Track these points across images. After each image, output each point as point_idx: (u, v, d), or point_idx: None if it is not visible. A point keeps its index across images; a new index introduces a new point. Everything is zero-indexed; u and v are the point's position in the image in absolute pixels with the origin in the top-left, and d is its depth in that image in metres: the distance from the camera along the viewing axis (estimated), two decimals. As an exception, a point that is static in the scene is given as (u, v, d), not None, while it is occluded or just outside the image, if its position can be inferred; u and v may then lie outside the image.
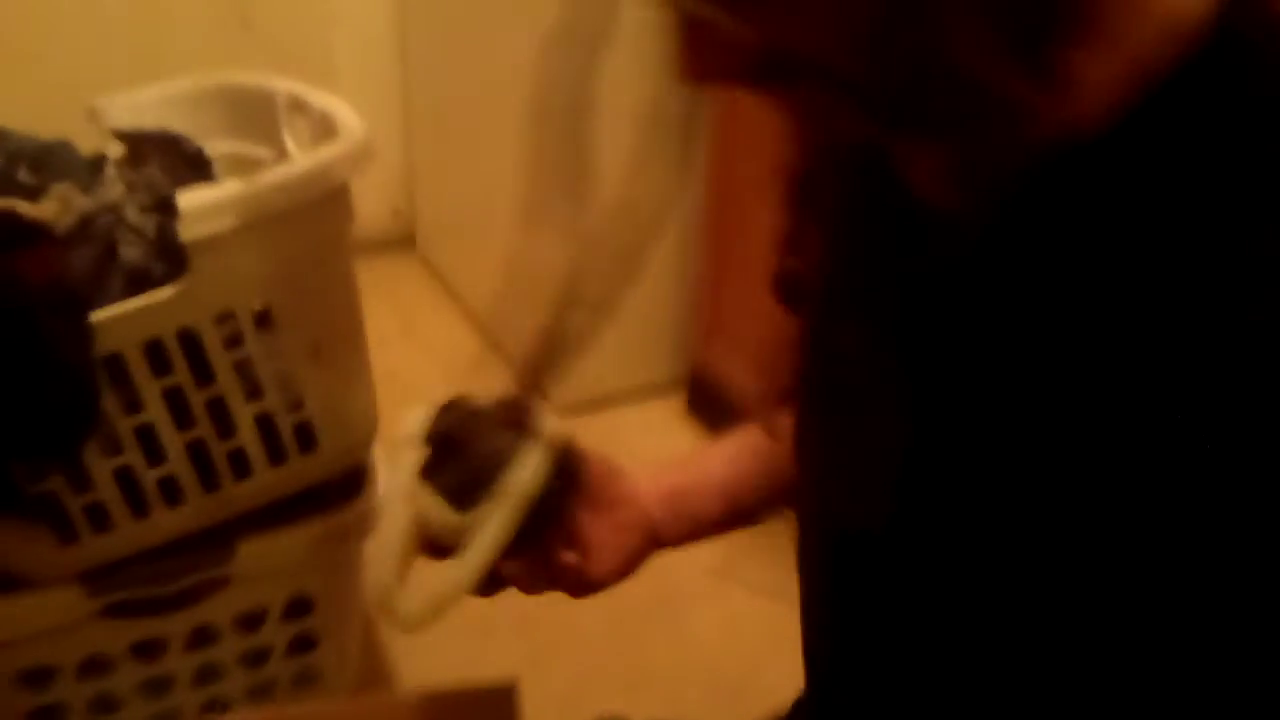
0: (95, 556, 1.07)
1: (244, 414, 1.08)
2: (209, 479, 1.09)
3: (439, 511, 0.64)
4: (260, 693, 1.27)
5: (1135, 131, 0.41)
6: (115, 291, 1.00)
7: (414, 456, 0.66)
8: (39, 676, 1.12)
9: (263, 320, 1.06)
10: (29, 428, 0.94)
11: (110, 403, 1.00)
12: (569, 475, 0.67)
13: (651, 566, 0.76)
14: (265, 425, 1.10)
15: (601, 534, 0.71)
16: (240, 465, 1.10)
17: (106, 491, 1.04)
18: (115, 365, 0.99)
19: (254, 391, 1.08)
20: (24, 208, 0.96)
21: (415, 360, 2.25)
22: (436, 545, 0.66)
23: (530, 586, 0.70)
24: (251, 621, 1.21)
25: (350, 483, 1.22)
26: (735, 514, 0.74)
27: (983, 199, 0.44)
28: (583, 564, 0.70)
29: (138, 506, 1.06)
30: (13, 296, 0.91)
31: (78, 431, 0.97)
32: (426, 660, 1.49)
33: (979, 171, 0.43)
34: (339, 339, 1.14)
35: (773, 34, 0.41)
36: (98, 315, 0.96)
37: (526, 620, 1.59)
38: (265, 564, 1.15)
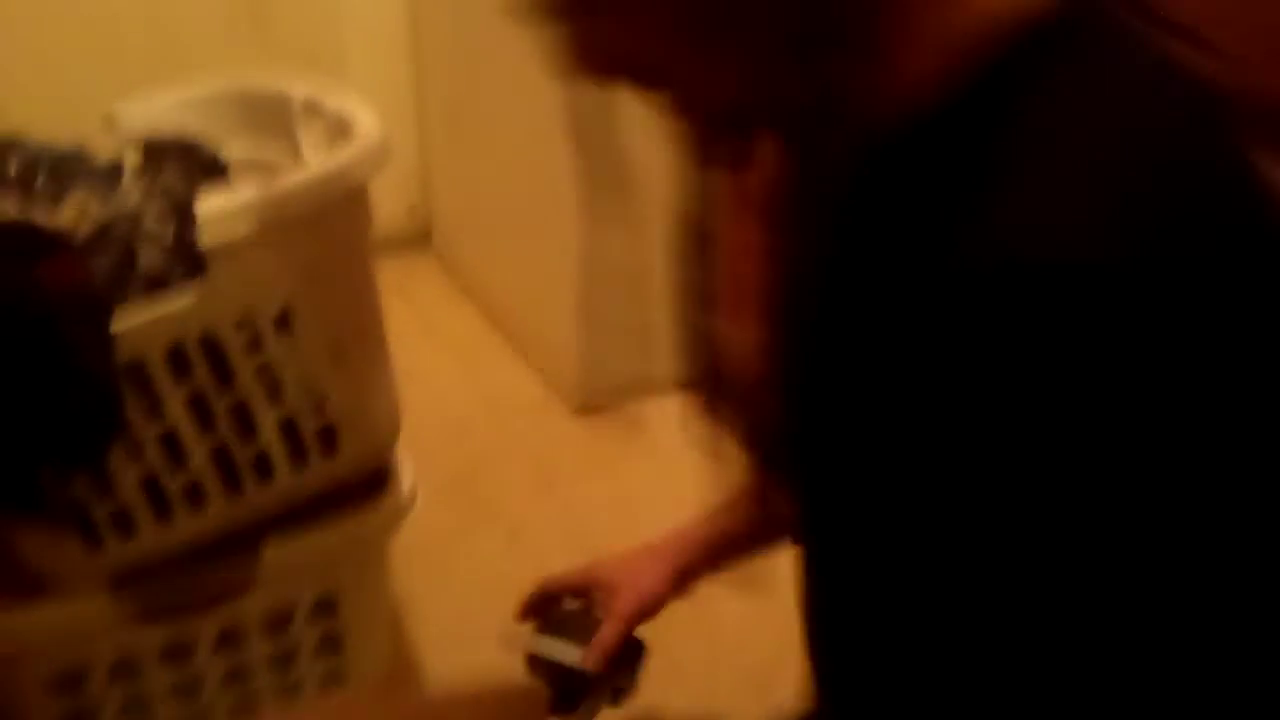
0: (121, 561, 1.07)
1: (266, 417, 1.08)
2: (232, 482, 1.09)
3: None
4: (289, 692, 1.27)
5: (950, 113, 0.45)
6: (135, 298, 1.01)
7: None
8: (71, 681, 1.12)
9: (283, 323, 1.06)
10: (54, 433, 0.95)
11: (133, 409, 1.00)
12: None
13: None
14: (288, 428, 1.10)
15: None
16: (263, 468, 1.10)
17: (131, 496, 1.04)
18: (137, 371, 0.99)
19: (276, 394, 1.08)
20: (42, 217, 0.96)
21: (434, 358, 2.25)
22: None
23: None
24: (279, 622, 1.21)
25: (374, 482, 1.23)
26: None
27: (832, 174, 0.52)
28: None
29: (162, 511, 1.07)
30: (34, 305, 0.91)
31: (102, 437, 0.97)
32: (456, 659, 1.49)
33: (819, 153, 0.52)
34: (360, 340, 1.14)
35: (615, 45, 0.47)
36: (119, 322, 0.96)
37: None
38: (291, 565, 1.15)
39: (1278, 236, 0.43)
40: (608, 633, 0.85)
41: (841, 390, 0.51)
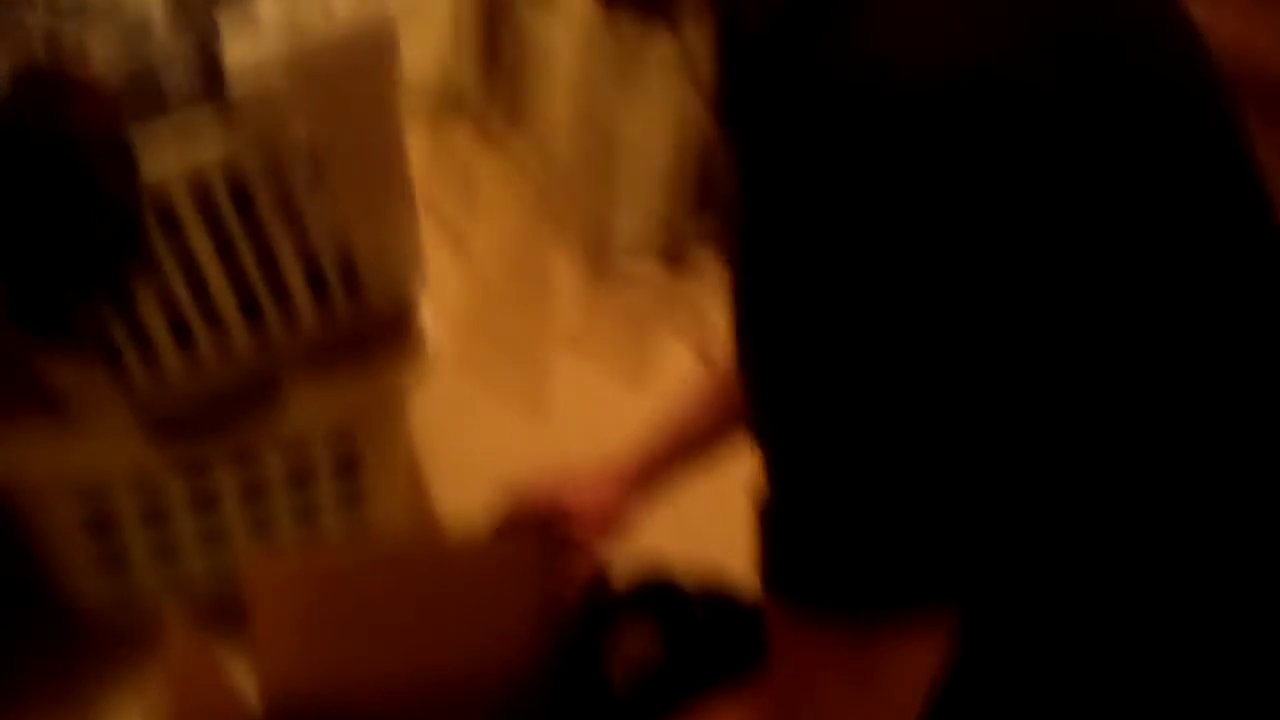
0: (146, 391, 1.08)
1: (289, 253, 1.07)
2: (256, 319, 1.10)
3: None
4: (308, 530, 1.30)
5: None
6: (159, 117, 0.99)
7: None
8: (101, 524, 1.15)
9: (310, 162, 1.05)
10: (79, 258, 0.95)
11: (157, 238, 1.00)
12: None
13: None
14: (312, 268, 1.10)
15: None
16: (286, 306, 1.10)
17: (155, 327, 1.05)
18: (161, 199, 0.99)
19: (299, 232, 1.07)
20: (71, 59, 0.95)
21: (463, 220, 2.23)
22: None
23: None
24: (301, 471, 1.23)
25: (398, 334, 1.23)
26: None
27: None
28: None
29: (186, 344, 1.07)
30: (65, 146, 0.91)
31: (124, 260, 0.97)
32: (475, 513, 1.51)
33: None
34: (385, 182, 1.12)
35: None
36: (143, 148, 0.95)
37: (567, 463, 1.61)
38: (314, 412, 1.16)
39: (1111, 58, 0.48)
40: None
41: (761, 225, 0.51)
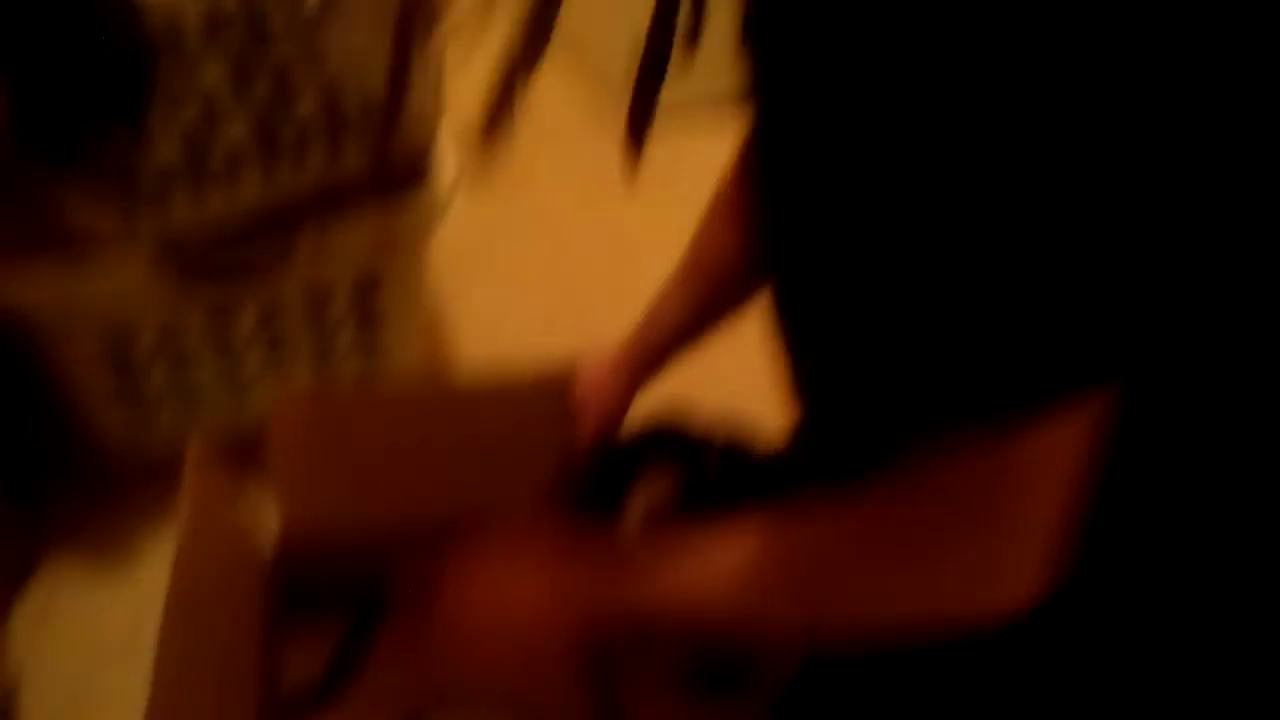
0: (162, 227, 1.07)
1: (307, 85, 1.04)
2: (271, 152, 1.07)
3: None
4: (328, 371, 1.30)
5: None
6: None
7: None
8: (119, 354, 1.14)
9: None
10: (92, 84, 0.92)
11: (171, 66, 0.97)
12: None
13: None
14: (328, 100, 1.06)
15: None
16: (301, 141, 1.07)
17: (170, 160, 1.02)
18: (174, 27, 0.95)
19: (317, 64, 1.04)
20: None
21: (484, 63, 2.17)
22: None
23: None
24: (318, 308, 1.22)
25: (416, 172, 1.20)
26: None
27: None
28: None
29: (200, 177, 1.05)
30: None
31: (139, 90, 0.94)
32: (489, 350, 1.51)
33: None
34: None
35: None
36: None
37: (588, 317, 1.60)
38: (330, 249, 1.15)
39: None
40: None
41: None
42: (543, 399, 0.87)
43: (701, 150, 1.91)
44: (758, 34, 0.51)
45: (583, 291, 1.66)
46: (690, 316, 0.84)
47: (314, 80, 1.04)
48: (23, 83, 0.92)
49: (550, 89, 2.10)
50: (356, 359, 1.31)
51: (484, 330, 1.57)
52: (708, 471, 0.79)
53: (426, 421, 0.86)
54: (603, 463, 0.79)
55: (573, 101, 2.09)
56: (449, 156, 1.23)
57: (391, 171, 1.17)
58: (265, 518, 0.86)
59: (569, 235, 1.76)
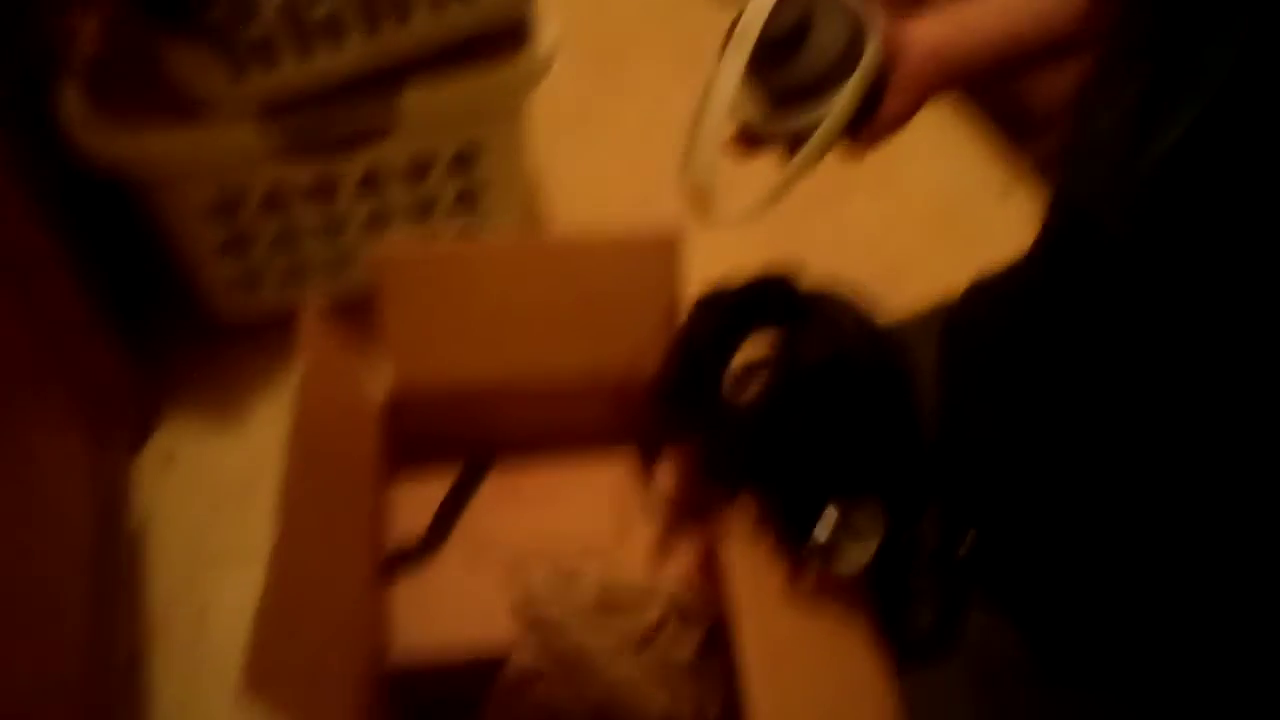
0: (266, 91, 1.08)
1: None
2: (371, 18, 1.07)
3: (764, 114, 0.66)
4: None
5: None
6: None
7: (746, 51, 0.64)
8: (226, 208, 1.18)
9: None
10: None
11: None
12: (883, 81, 0.67)
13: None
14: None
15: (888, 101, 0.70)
16: (402, 5, 1.07)
17: (272, 24, 1.03)
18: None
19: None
20: None
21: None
22: (750, 138, 0.68)
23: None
24: (419, 170, 1.23)
25: (515, 37, 1.19)
26: (1014, 54, 0.71)
27: None
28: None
29: (303, 42, 1.06)
30: None
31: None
32: (586, 222, 1.51)
33: None
34: None
35: None
36: None
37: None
38: (432, 111, 1.15)
39: None
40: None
41: None
42: (647, 257, 0.87)
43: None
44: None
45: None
46: (1003, 39, 0.73)
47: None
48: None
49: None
50: (457, 226, 1.32)
51: (582, 198, 1.57)
52: (804, 338, 0.78)
53: (532, 276, 0.86)
54: (711, 315, 0.79)
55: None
56: (549, 19, 1.21)
57: (492, 34, 1.16)
58: (376, 373, 0.89)
59: (666, 104, 1.74)
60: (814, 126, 0.65)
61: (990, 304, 0.78)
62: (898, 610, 0.72)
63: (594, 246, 0.87)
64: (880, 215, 1.59)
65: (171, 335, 1.35)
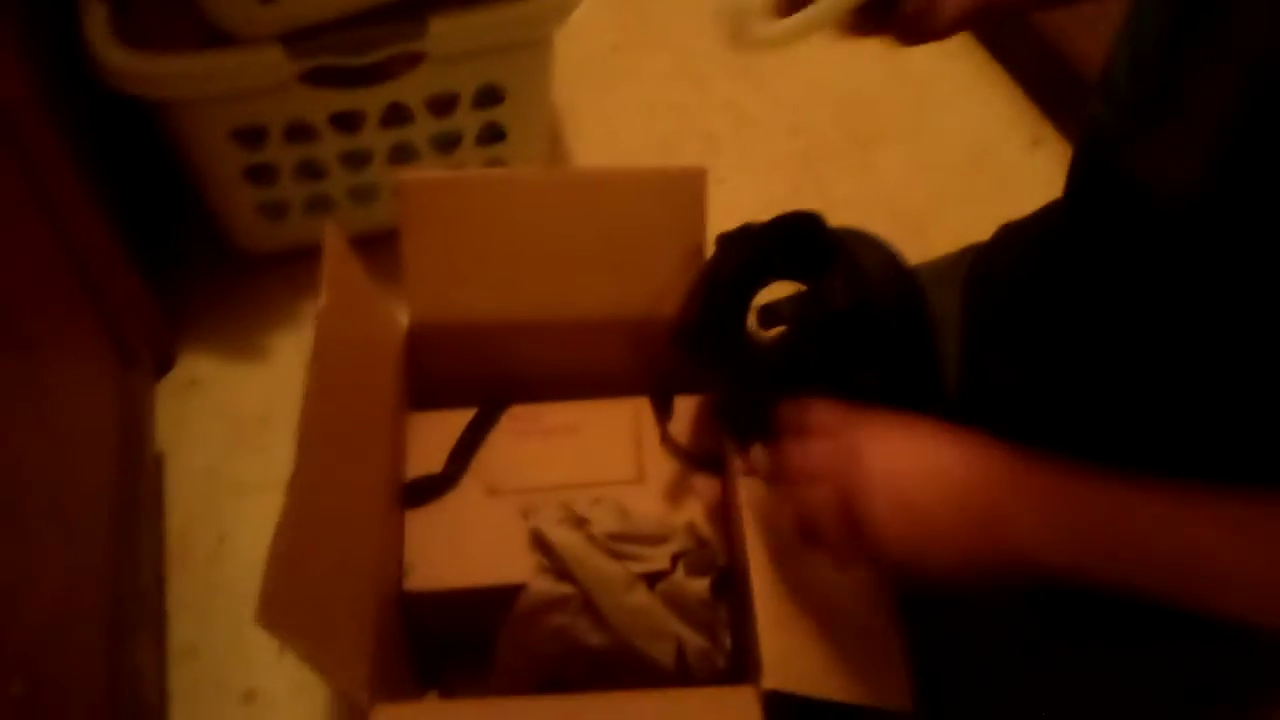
0: (292, 16, 1.07)
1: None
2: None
3: None
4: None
5: None
6: None
7: None
8: (250, 136, 1.17)
9: None
10: None
11: None
12: None
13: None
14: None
15: None
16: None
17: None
18: None
19: None
20: None
21: None
22: None
23: (860, 29, 0.68)
24: (443, 105, 1.22)
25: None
26: None
27: None
28: (927, 12, 0.68)
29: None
30: None
31: None
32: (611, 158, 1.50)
33: None
34: None
35: None
36: None
37: (712, 142, 1.57)
38: (457, 42, 1.14)
39: None
40: None
41: None
42: (673, 192, 0.86)
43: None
44: None
45: (703, 111, 1.62)
46: None
47: None
48: None
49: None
50: (480, 163, 1.31)
51: (604, 141, 1.56)
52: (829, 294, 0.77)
53: (556, 207, 0.85)
54: (736, 252, 0.78)
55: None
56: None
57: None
58: (397, 308, 0.89)
59: (691, 52, 1.71)
60: None
61: (1016, 251, 0.77)
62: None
63: (620, 180, 0.86)
64: (907, 162, 1.57)
65: (195, 264, 1.36)
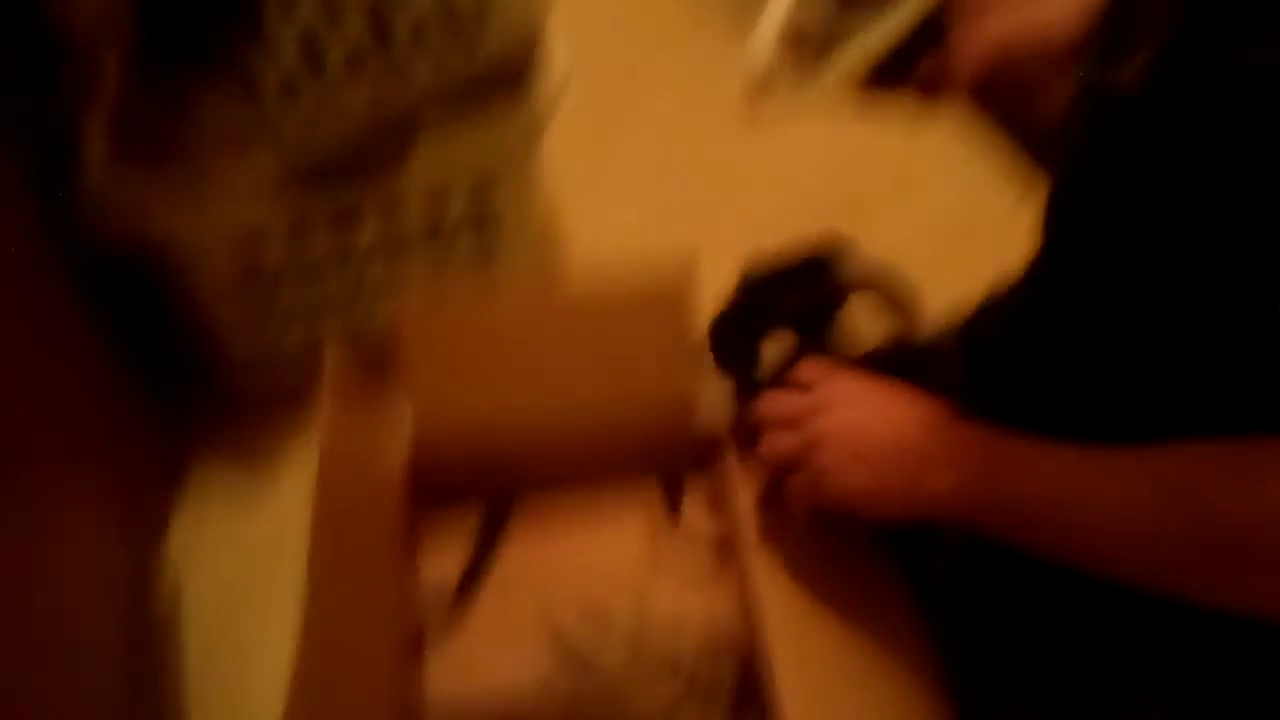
0: (286, 124, 1.09)
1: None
2: (388, 48, 1.08)
3: (823, 11, 0.66)
4: (447, 267, 1.32)
5: None
6: None
7: None
8: (246, 275, 1.18)
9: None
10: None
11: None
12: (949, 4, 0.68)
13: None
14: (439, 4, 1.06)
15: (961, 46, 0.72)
16: (419, 36, 1.08)
17: (290, 58, 1.04)
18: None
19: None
20: None
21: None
22: (810, 46, 0.68)
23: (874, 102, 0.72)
24: (436, 198, 1.24)
25: (526, 72, 1.19)
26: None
27: None
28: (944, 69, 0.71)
29: (321, 75, 1.06)
30: None
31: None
32: (605, 243, 1.51)
33: None
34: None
35: None
36: None
37: (702, 208, 1.59)
38: (447, 148, 1.16)
39: None
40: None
41: None
42: (660, 297, 0.87)
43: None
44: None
45: (693, 188, 1.64)
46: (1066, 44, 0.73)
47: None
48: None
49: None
50: (475, 261, 1.32)
51: (598, 227, 1.57)
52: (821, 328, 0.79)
53: (548, 325, 0.87)
54: (749, 293, 0.80)
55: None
56: (558, 54, 1.22)
57: (503, 69, 1.17)
58: (400, 420, 0.89)
59: (679, 131, 1.74)
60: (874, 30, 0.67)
61: (1001, 316, 0.77)
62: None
63: (608, 290, 0.87)
64: (901, 228, 1.58)
65: (194, 392, 1.36)
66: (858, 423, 0.66)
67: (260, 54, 1.02)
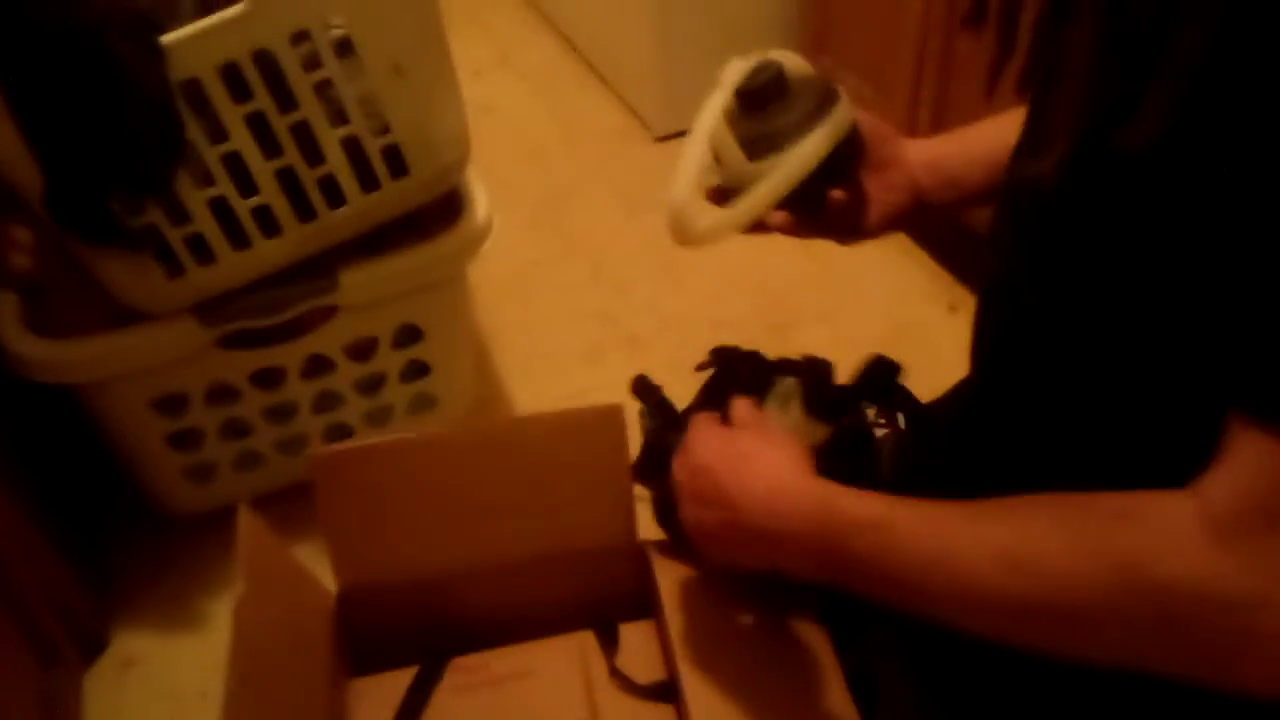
0: (204, 288, 1.08)
1: (330, 139, 1.05)
2: (303, 207, 1.08)
3: (733, 156, 0.72)
4: (379, 418, 1.31)
5: None
6: (187, 14, 0.97)
7: (723, 101, 0.72)
8: (171, 404, 1.17)
9: (343, 46, 1.01)
10: (118, 159, 0.93)
11: (195, 132, 0.98)
12: (852, 148, 0.74)
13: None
14: (354, 150, 1.07)
15: (873, 191, 0.78)
16: (333, 192, 1.08)
17: (204, 223, 1.04)
18: (194, 91, 0.96)
19: (339, 116, 1.04)
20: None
21: (513, 88, 2.18)
22: (721, 190, 0.75)
23: (800, 232, 0.78)
24: (363, 350, 1.23)
25: (450, 209, 1.20)
26: (995, 184, 0.74)
27: None
28: (855, 216, 0.78)
29: (237, 237, 1.06)
30: (80, 18, 0.88)
31: (166, 160, 0.95)
32: (542, 387, 1.51)
33: None
34: (421, 58, 1.08)
35: None
36: (169, 37, 0.92)
37: (637, 345, 1.60)
38: (370, 292, 1.15)
39: None
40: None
41: None
42: (591, 430, 0.86)
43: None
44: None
45: (626, 315, 1.65)
46: (987, 163, 0.78)
47: (335, 127, 1.05)
48: (54, 161, 0.93)
49: (585, 107, 2.11)
50: (407, 401, 1.31)
51: (531, 356, 1.57)
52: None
53: (475, 463, 0.86)
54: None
55: (607, 116, 2.09)
56: (480, 188, 1.23)
57: (427, 209, 1.18)
58: (323, 572, 0.87)
59: (610, 249, 1.76)
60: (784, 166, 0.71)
61: (946, 414, 0.78)
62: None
63: (538, 426, 0.86)
64: (831, 341, 1.60)
65: (124, 532, 1.32)
66: (732, 484, 0.65)
67: (173, 224, 1.02)
